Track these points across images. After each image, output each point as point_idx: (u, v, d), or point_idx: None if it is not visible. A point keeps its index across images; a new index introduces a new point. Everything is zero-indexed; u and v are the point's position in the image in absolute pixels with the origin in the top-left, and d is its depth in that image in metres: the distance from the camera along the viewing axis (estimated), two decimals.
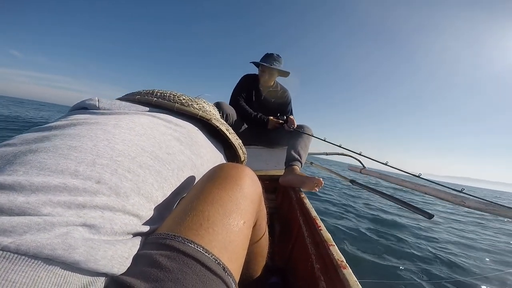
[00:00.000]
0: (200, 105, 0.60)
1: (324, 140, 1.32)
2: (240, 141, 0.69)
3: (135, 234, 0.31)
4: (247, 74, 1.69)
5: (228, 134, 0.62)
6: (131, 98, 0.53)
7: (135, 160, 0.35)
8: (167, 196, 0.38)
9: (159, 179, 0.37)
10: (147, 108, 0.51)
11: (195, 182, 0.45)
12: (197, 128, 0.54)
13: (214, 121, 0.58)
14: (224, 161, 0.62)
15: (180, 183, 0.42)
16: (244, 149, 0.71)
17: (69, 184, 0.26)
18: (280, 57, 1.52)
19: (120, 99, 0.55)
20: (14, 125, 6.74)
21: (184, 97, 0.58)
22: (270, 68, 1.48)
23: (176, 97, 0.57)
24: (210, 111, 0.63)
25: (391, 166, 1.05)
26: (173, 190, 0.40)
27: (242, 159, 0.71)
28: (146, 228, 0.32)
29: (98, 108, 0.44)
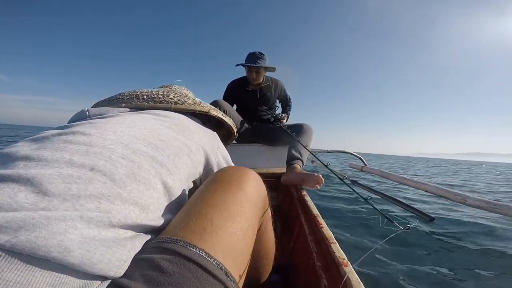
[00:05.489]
0: (191, 98, 0.63)
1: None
2: (230, 118, 0.77)
3: (138, 227, 0.30)
4: (232, 81, 1.75)
5: (224, 118, 0.70)
6: (116, 106, 0.53)
7: (128, 147, 0.36)
8: (167, 184, 0.38)
9: (155, 165, 0.37)
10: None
11: (192, 168, 0.46)
12: (186, 117, 0.55)
13: (212, 112, 0.64)
14: (220, 143, 0.63)
15: (178, 169, 0.41)
16: (234, 124, 0.80)
17: (63, 172, 0.28)
18: (263, 54, 1.56)
19: (102, 104, 0.55)
20: None
21: (172, 95, 0.60)
22: (256, 67, 1.53)
23: (165, 96, 0.58)
24: (195, 98, 0.66)
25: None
26: (172, 177, 0.39)
27: (236, 130, 0.83)
28: (149, 221, 0.32)
29: (90, 116, 0.47)
